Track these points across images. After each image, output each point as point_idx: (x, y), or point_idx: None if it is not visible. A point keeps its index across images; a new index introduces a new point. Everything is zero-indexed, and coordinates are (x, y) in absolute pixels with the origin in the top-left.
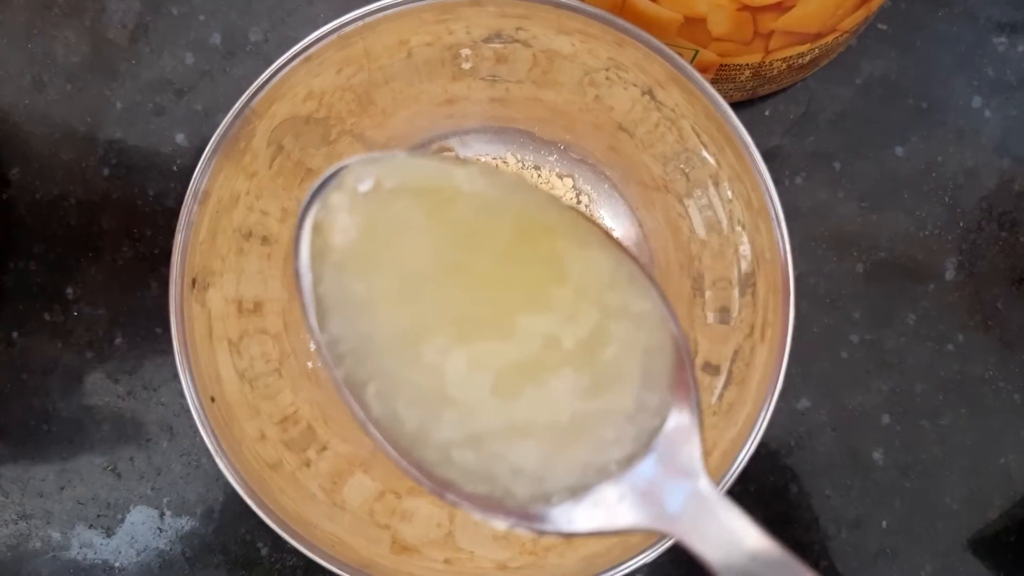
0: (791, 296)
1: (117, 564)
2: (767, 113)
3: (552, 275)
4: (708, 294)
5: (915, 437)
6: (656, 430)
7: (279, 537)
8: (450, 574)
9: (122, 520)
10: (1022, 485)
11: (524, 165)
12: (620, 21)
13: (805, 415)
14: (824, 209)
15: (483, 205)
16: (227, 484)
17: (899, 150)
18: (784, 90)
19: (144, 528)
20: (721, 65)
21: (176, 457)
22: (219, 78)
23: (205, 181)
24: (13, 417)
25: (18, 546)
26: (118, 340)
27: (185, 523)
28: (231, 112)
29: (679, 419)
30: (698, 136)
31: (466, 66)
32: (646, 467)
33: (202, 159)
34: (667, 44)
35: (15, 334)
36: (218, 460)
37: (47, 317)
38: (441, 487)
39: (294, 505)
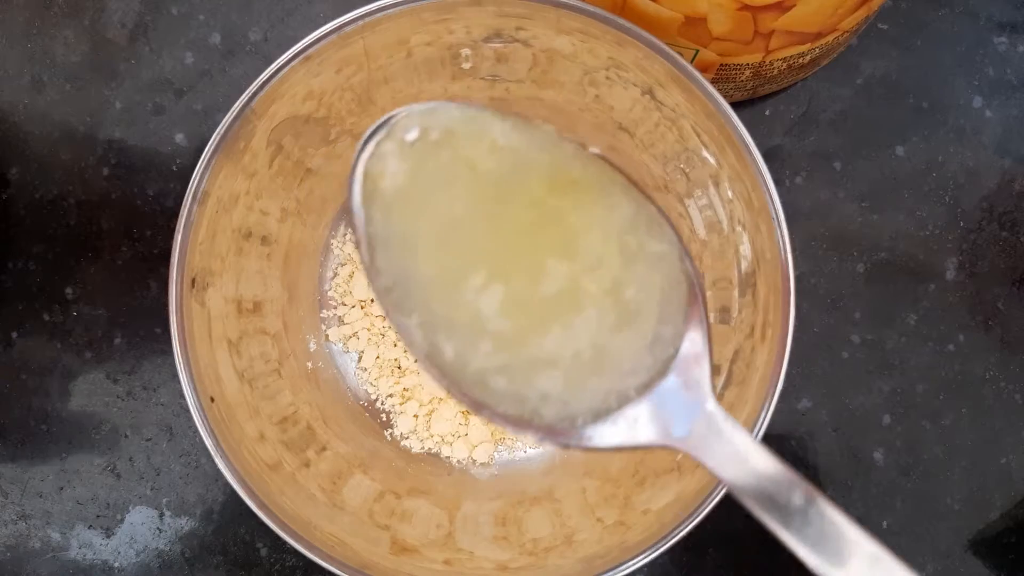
0: (792, 296)
1: (116, 564)
2: (767, 113)
3: (578, 224)
4: (708, 294)
5: (916, 437)
6: (671, 358)
7: (278, 538)
8: (450, 575)
9: (121, 520)
10: (1023, 485)
11: None
12: (620, 21)
13: (806, 415)
14: (824, 209)
15: (517, 158)
16: (226, 484)
17: (900, 150)
18: (784, 90)
19: (143, 528)
20: (721, 65)
21: (175, 457)
22: (219, 78)
23: (204, 181)
24: (12, 417)
25: (18, 546)
26: (117, 340)
27: (184, 523)
28: (231, 112)
29: (691, 347)
30: (698, 136)
31: (466, 66)
32: (662, 391)
33: (202, 159)
34: (667, 44)
35: (14, 334)
36: (218, 460)
37: (46, 317)
38: (476, 407)
39: (293, 505)
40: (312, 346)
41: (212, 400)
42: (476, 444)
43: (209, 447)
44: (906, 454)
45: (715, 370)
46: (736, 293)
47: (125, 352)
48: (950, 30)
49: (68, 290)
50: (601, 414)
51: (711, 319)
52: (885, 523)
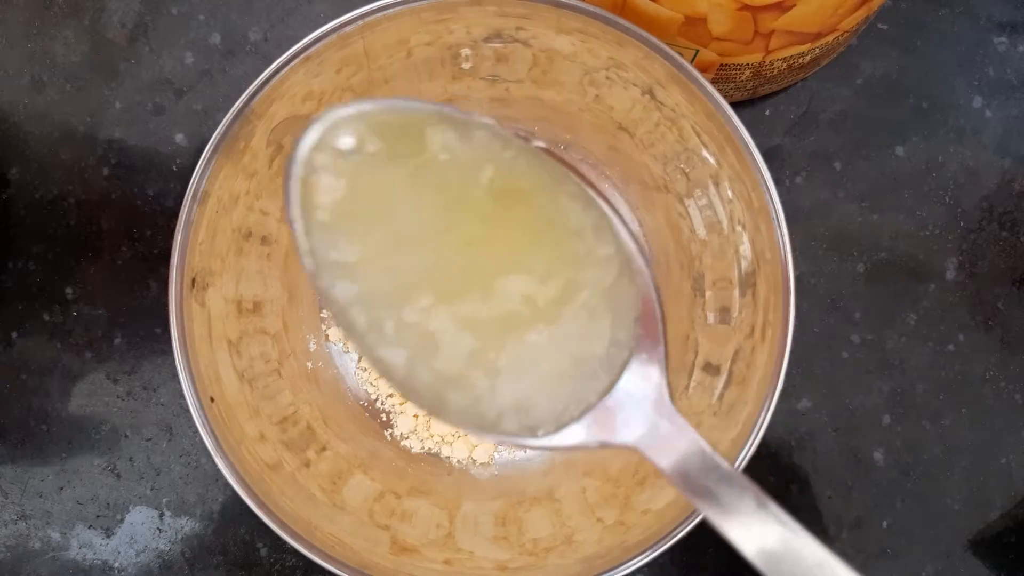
0: (791, 296)
1: (116, 564)
2: (767, 113)
3: (525, 236)
4: (708, 294)
5: (916, 437)
6: (627, 360)
7: (278, 538)
8: (450, 575)
9: (121, 520)
10: (1023, 485)
11: None
12: (620, 20)
13: (806, 415)
14: (824, 209)
15: (460, 169)
16: (226, 484)
17: (900, 150)
18: (784, 90)
19: (143, 528)
20: (721, 65)
21: (175, 457)
22: (219, 78)
23: (204, 181)
24: (12, 417)
25: (18, 546)
26: (117, 340)
27: (184, 523)
28: (231, 112)
29: (646, 347)
30: (698, 136)
31: (466, 66)
32: (618, 393)
33: (201, 159)
34: (667, 44)
35: (14, 334)
36: (217, 460)
37: (46, 317)
38: (434, 415)
39: (293, 506)
40: (312, 346)
41: (212, 400)
42: (476, 444)
43: (209, 447)
44: (906, 454)
45: (715, 370)
46: (736, 293)
47: (125, 352)
48: (950, 30)
49: (68, 290)
50: (563, 423)
51: (711, 319)
52: (885, 523)
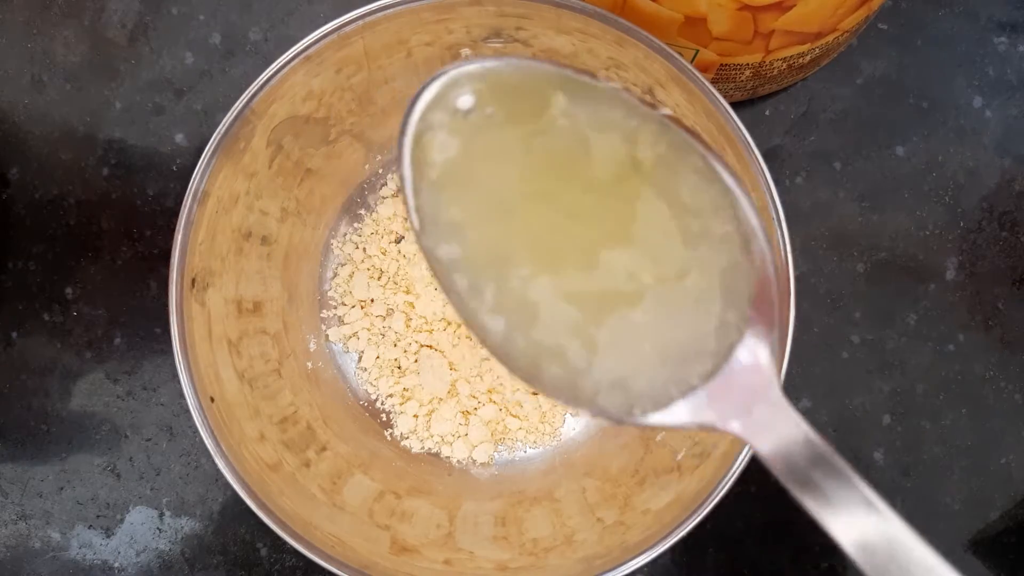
0: (791, 296)
1: (116, 564)
2: (767, 113)
3: (638, 211)
4: None
5: (916, 437)
6: (736, 343)
7: (278, 538)
8: (450, 575)
9: (121, 520)
10: (1023, 485)
11: None
12: (620, 20)
13: (806, 415)
14: (824, 209)
15: (577, 136)
16: (227, 484)
17: (899, 150)
18: (784, 90)
19: (143, 528)
20: (721, 65)
21: (176, 457)
22: (219, 78)
23: (204, 181)
24: (12, 417)
25: (18, 546)
26: (117, 340)
27: (184, 523)
28: (231, 112)
29: (756, 331)
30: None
31: None
32: (724, 376)
33: (201, 159)
34: (667, 43)
35: (14, 334)
36: (218, 460)
37: (46, 317)
38: (529, 386)
39: (293, 506)
40: (312, 346)
41: (212, 400)
42: (476, 444)
43: (209, 447)
44: (906, 454)
45: None
46: None
47: (125, 352)
48: (950, 30)
49: (68, 290)
50: (661, 404)
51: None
52: None
